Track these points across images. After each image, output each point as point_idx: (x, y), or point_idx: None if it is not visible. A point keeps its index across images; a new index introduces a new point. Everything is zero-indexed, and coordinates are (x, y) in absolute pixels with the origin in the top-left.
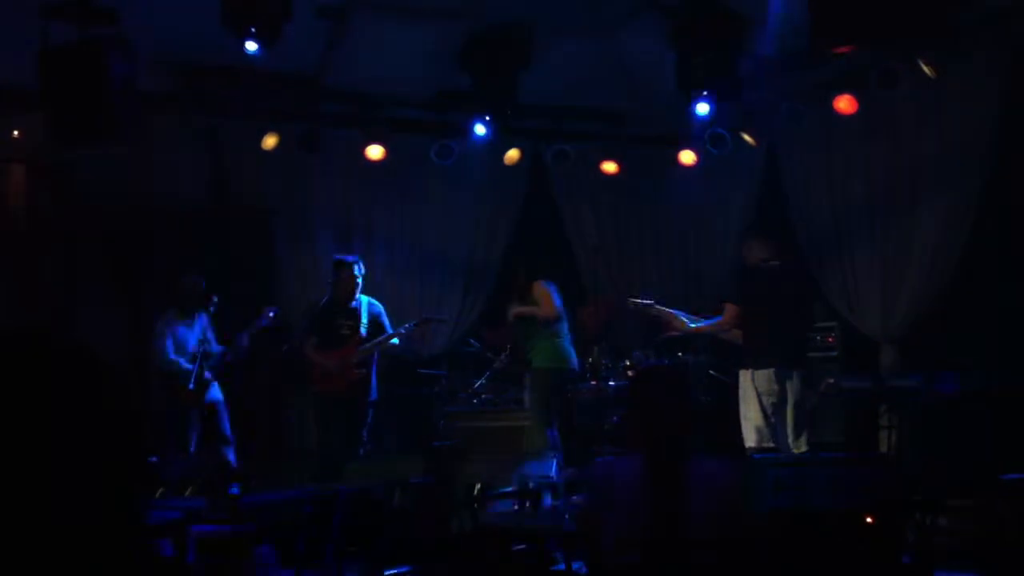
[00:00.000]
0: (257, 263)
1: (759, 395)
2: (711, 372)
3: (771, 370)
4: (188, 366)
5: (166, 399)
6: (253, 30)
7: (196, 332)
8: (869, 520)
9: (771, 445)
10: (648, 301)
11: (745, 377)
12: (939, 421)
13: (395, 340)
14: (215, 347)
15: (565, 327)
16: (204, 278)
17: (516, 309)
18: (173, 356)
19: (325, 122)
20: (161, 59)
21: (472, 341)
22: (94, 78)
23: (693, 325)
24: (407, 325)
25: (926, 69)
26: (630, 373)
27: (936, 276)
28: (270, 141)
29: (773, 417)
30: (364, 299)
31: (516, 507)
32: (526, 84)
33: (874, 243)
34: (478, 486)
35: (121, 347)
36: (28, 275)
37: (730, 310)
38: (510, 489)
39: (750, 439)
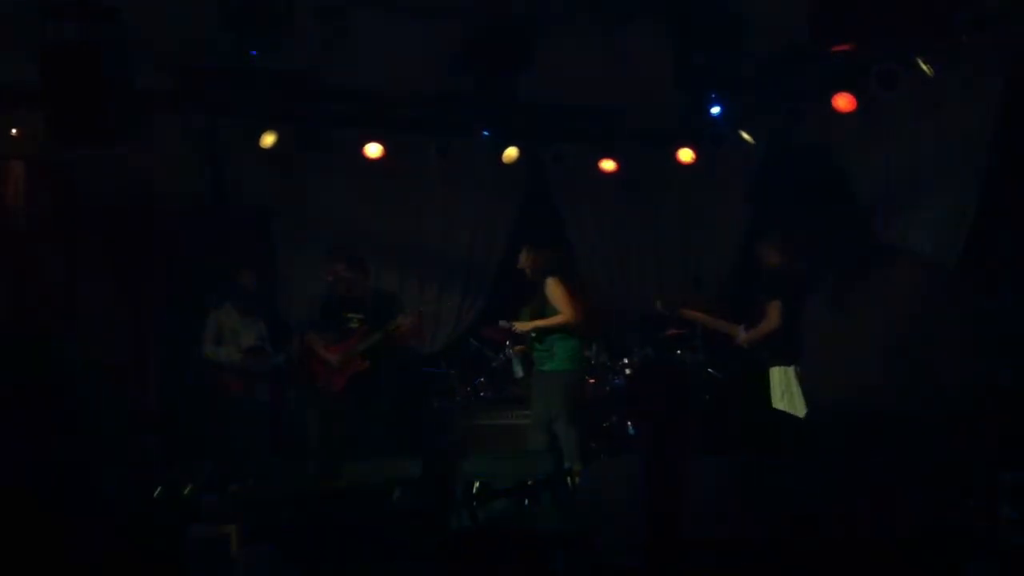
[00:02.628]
0: (257, 261)
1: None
2: (709, 370)
3: None
4: (225, 359)
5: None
6: (254, 32)
7: (254, 330)
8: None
9: None
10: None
11: (787, 374)
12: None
13: (397, 326)
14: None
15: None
16: (257, 275)
17: (535, 324)
18: (211, 347)
19: (324, 121)
20: (160, 58)
21: (471, 339)
22: (93, 77)
23: (744, 335)
24: (400, 315)
25: (925, 68)
26: (628, 371)
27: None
28: (268, 139)
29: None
30: (375, 292)
31: (515, 505)
32: (526, 83)
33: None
34: (477, 484)
35: (121, 344)
36: (28, 273)
37: (775, 308)
38: (509, 487)
39: None
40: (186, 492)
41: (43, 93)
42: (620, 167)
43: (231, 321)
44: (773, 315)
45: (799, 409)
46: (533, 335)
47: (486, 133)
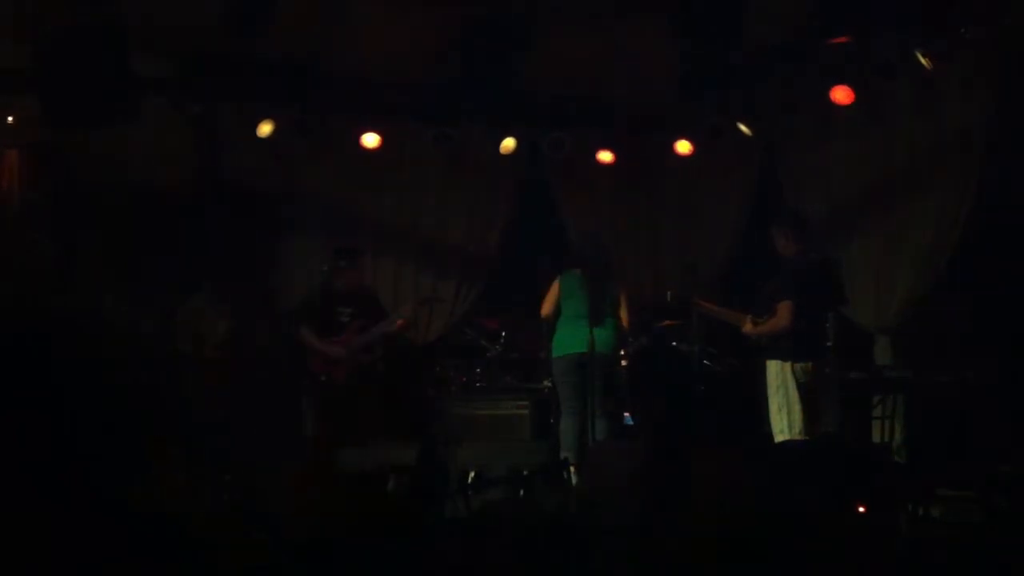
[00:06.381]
0: (254, 250)
1: (799, 386)
2: (705, 362)
3: (811, 362)
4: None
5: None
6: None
7: (225, 321)
8: (861, 510)
9: (805, 437)
10: (709, 304)
11: (784, 368)
12: (933, 412)
13: (399, 320)
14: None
15: (568, 310)
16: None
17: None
18: (182, 340)
19: (320, 109)
20: (156, 43)
21: (467, 329)
22: (89, 62)
23: (750, 327)
24: (408, 306)
25: (923, 61)
26: (624, 363)
27: (931, 267)
28: (265, 128)
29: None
30: (363, 287)
31: (509, 494)
32: (523, 72)
33: (869, 234)
34: (472, 473)
35: (118, 334)
36: (23, 262)
37: (785, 308)
38: (503, 476)
39: (790, 430)
40: (181, 479)
41: (38, 77)
42: (618, 156)
43: (200, 312)
44: (783, 315)
45: (793, 404)
46: None
47: (483, 122)
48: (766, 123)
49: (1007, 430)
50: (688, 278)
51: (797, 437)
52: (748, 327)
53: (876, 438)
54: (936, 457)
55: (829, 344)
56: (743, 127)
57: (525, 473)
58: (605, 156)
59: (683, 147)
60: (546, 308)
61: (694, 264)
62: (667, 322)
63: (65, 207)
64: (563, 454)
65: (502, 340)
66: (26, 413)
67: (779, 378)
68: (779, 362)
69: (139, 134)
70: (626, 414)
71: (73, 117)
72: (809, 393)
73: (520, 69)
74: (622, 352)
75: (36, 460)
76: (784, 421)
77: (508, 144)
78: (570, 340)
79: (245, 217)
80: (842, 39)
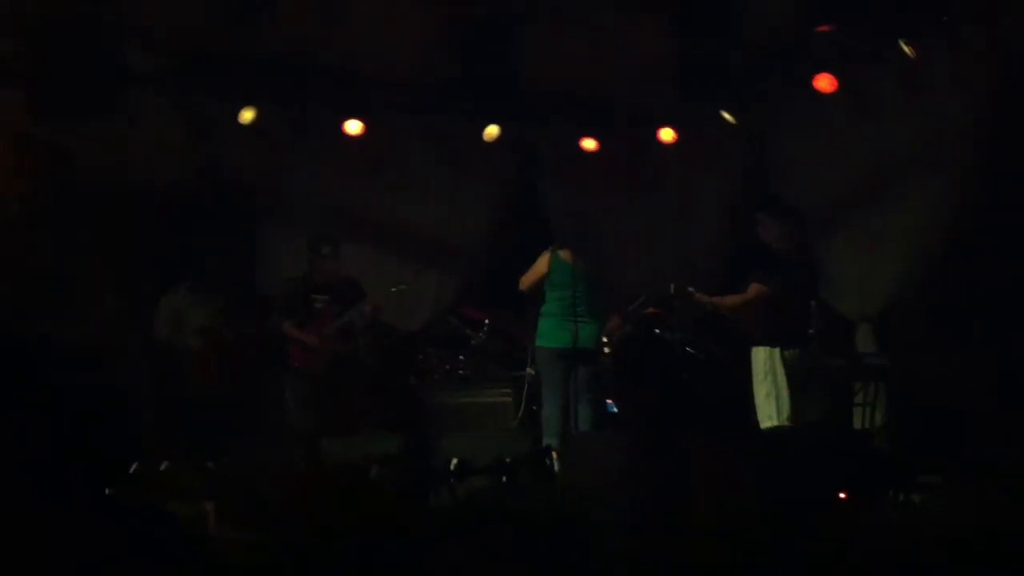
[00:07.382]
0: (245, 243)
1: (787, 374)
2: (688, 349)
3: (799, 350)
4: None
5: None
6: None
7: (208, 310)
8: (843, 496)
9: (791, 424)
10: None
11: (773, 355)
12: (913, 399)
13: (371, 304)
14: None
15: (554, 304)
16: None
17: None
18: (164, 332)
19: (309, 102)
20: (148, 38)
21: (450, 318)
22: (83, 57)
23: (698, 295)
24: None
25: (906, 49)
26: (607, 350)
27: (914, 257)
28: (248, 115)
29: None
30: (343, 276)
31: (493, 483)
32: (523, 72)
33: (855, 224)
34: (455, 461)
35: (107, 325)
36: (15, 259)
37: (754, 289)
38: (487, 463)
39: (778, 416)
40: (163, 468)
41: (32, 71)
42: (609, 149)
43: (183, 303)
44: (750, 294)
45: (782, 390)
46: None
47: (479, 119)
48: (757, 114)
49: (986, 417)
50: (685, 274)
51: (785, 424)
52: (694, 292)
53: (857, 424)
54: (916, 443)
55: (812, 332)
56: (727, 115)
57: (508, 460)
58: (589, 144)
59: (667, 135)
60: (526, 282)
61: (693, 262)
62: (650, 310)
63: (64, 206)
64: (546, 441)
65: (485, 328)
66: (23, 411)
67: (767, 365)
68: (767, 349)
69: (137, 132)
70: (608, 401)
71: (67, 113)
72: (795, 380)
73: (520, 69)
74: (604, 340)
75: (30, 457)
76: (772, 407)
77: (491, 131)
78: (555, 334)
79: (240, 212)
80: (826, 28)
